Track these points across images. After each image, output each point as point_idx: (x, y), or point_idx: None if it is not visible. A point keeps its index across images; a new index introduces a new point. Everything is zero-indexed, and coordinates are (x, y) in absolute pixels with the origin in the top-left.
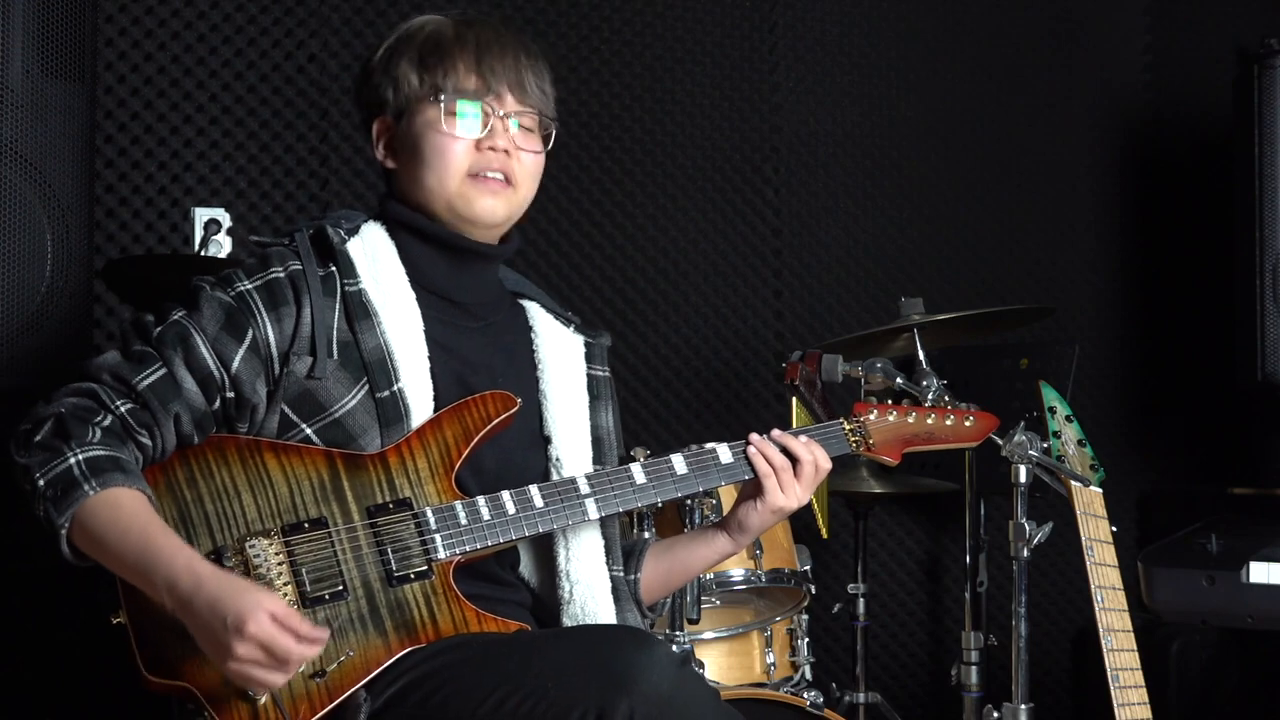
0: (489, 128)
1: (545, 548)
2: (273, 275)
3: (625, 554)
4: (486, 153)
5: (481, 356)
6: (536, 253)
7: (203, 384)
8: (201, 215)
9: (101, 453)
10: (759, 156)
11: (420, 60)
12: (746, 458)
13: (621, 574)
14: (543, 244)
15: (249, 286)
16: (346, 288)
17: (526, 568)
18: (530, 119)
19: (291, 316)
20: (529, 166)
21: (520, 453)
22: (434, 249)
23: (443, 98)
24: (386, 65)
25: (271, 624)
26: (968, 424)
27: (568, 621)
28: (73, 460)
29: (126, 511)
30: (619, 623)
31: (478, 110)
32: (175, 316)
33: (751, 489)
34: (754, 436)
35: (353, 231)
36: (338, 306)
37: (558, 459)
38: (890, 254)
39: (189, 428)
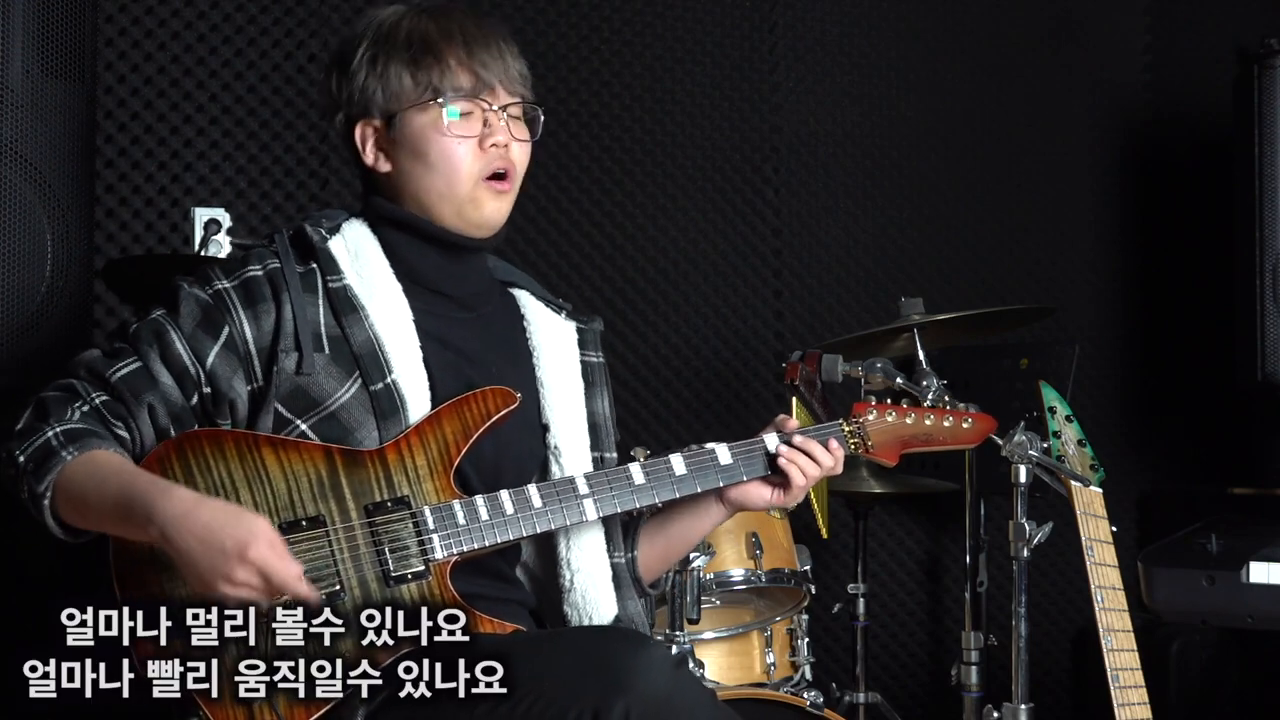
0: (488, 124)
1: (546, 535)
2: (250, 273)
3: (622, 529)
4: (490, 151)
5: (476, 346)
6: (537, 253)
7: (178, 379)
8: (201, 215)
9: (80, 425)
10: (759, 156)
11: (411, 60)
12: (775, 466)
13: (622, 561)
14: (543, 244)
15: (226, 285)
16: (330, 284)
17: (528, 556)
18: (518, 108)
19: (270, 314)
20: (523, 158)
21: (519, 441)
22: (424, 243)
23: (442, 99)
24: (371, 66)
25: (271, 551)
26: (966, 425)
27: (569, 609)
28: (50, 434)
29: (103, 465)
30: (619, 610)
31: (477, 108)
32: (153, 315)
33: (763, 481)
34: (781, 447)
35: (334, 230)
36: (322, 302)
37: (556, 446)
38: (890, 254)
39: (165, 420)
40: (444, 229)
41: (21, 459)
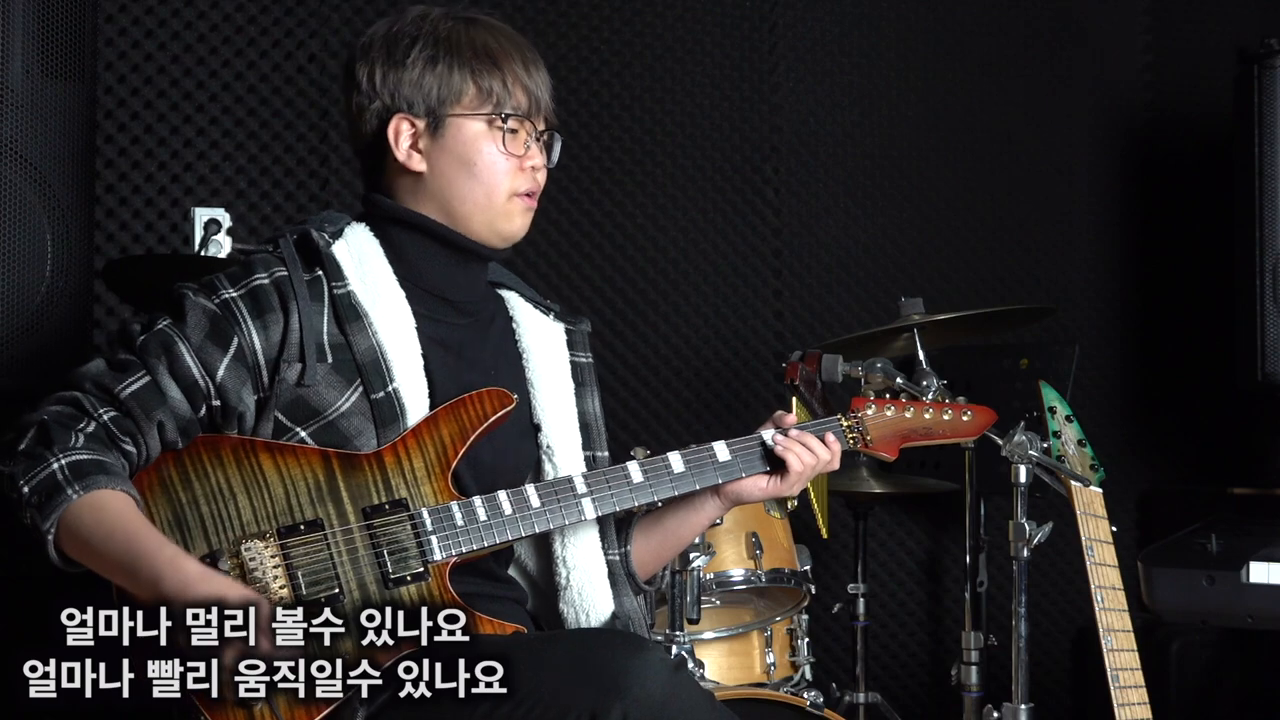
0: (529, 146)
1: (541, 534)
2: (257, 282)
3: (615, 525)
4: (528, 171)
5: (474, 350)
6: (536, 253)
7: (188, 392)
8: (201, 215)
9: (85, 456)
10: (759, 156)
11: (475, 69)
12: (775, 455)
13: (617, 558)
14: (543, 244)
15: (234, 294)
16: (335, 290)
17: (523, 554)
18: (547, 135)
19: (279, 324)
20: (544, 182)
21: (513, 443)
22: (434, 244)
23: (502, 114)
24: (430, 65)
25: (263, 636)
26: (965, 419)
27: (565, 607)
28: (55, 466)
29: (111, 513)
30: (616, 606)
31: (524, 130)
32: (160, 325)
33: (761, 473)
34: (777, 436)
35: (337, 234)
36: (326, 310)
37: (549, 446)
38: (890, 254)
39: (173, 435)
40: (464, 236)
41: (25, 489)
